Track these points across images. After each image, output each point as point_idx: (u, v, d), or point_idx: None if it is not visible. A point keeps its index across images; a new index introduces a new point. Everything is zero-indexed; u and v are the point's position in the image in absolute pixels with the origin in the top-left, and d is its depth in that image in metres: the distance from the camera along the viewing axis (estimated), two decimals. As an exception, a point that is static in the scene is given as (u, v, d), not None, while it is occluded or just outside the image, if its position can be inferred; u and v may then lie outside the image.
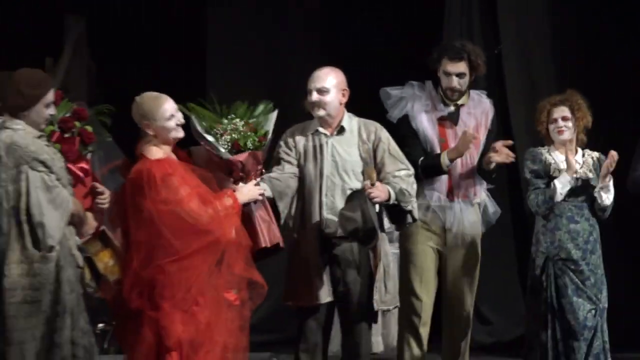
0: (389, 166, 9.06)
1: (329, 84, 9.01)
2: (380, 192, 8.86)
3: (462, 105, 9.78)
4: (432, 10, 12.51)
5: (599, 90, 11.12)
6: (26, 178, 7.63)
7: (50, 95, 7.96)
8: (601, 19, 12.63)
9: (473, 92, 9.91)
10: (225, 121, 8.80)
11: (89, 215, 8.20)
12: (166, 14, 13.25)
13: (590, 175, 9.56)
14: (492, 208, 9.80)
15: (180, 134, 8.33)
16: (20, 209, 7.62)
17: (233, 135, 8.77)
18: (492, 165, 9.44)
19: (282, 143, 9.30)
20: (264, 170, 9.03)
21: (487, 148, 9.74)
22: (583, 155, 9.73)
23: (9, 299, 7.58)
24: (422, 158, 9.38)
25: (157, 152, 8.24)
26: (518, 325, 10.79)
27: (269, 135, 8.90)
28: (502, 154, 9.47)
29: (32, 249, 7.63)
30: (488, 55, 12.24)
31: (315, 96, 8.99)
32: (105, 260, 8.28)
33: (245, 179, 8.74)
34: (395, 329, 10.97)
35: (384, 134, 9.16)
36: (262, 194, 8.69)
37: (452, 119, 9.68)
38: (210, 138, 8.83)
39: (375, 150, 9.11)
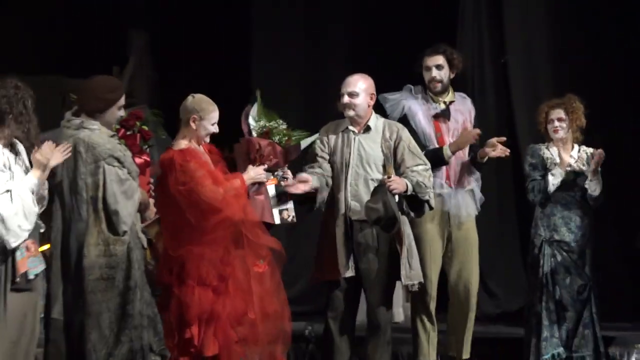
0: (409, 161, 9.13)
1: (359, 89, 9.11)
2: (398, 184, 8.92)
3: (450, 102, 9.81)
4: (446, 28, 12.40)
5: (597, 93, 11.16)
6: (103, 172, 7.73)
7: (123, 99, 8.06)
8: (597, 30, 12.50)
9: (457, 94, 9.92)
10: (273, 122, 8.98)
11: (151, 201, 8.35)
12: (215, 30, 13.16)
13: (584, 168, 9.63)
14: (479, 195, 9.78)
15: (208, 139, 8.47)
16: (98, 199, 7.75)
17: (268, 124, 9.00)
18: (486, 159, 9.57)
19: (318, 142, 9.36)
20: (285, 170, 9.05)
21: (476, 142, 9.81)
22: (578, 151, 9.80)
23: (87, 276, 7.71)
24: (424, 151, 9.37)
25: (184, 144, 8.37)
26: (520, 297, 10.78)
27: (299, 148, 9.10)
28: (497, 149, 9.55)
29: (108, 233, 7.77)
30: (496, 65, 12.55)
31: (346, 99, 9.09)
32: (162, 242, 8.40)
33: (258, 162, 8.79)
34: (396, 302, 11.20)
35: (405, 134, 9.24)
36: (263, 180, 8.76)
37: (445, 115, 9.71)
38: (251, 121, 9.06)
39: (396, 148, 9.17)
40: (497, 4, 12.51)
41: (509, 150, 9.63)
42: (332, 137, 9.26)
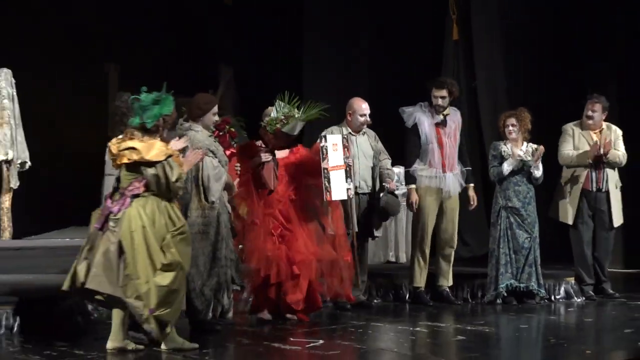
0: (382, 155, 9.48)
1: (369, 111, 9.38)
2: (393, 185, 9.50)
3: (447, 115, 9.63)
4: (433, 63, 12.38)
5: (539, 108, 10.75)
6: (202, 160, 7.74)
7: (216, 108, 8.11)
8: (542, 62, 12.45)
9: (451, 108, 9.72)
10: (289, 112, 8.56)
11: (235, 183, 8.30)
12: (274, 62, 13.14)
13: (529, 158, 9.62)
14: (463, 177, 9.70)
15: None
16: (198, 178, 7.80)
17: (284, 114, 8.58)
18: None
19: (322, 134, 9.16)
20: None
21: (462, 141, 9.76)
22: (526, 146, 9.70)
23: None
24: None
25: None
26: (485, 246, 10.57)
27: (287, 134, 8.57)
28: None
29: (204, 202, 7.82)
30: (468, 87, 12.62)
31: (367, 118, 9.34)
32: (244, 210, 8.44)
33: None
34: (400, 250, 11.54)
35: (377, 138, 9.56)
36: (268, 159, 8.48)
37: (443, 124, 9.57)
38: (266, 118, 8.72)
39: (377, 145, 9.46)
40: (469, 48, 12.40)
41: None
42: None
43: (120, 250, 6.89)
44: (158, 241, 6.90)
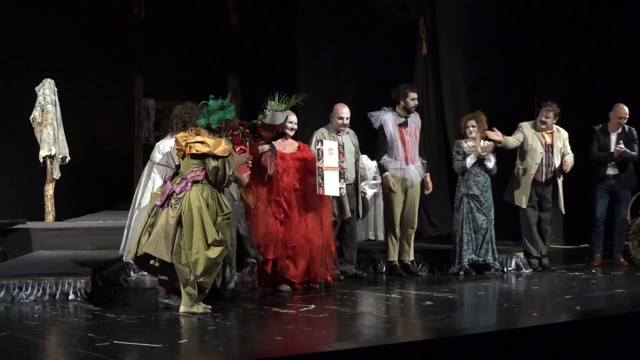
0: (357, 153, 9.39)
1: (348, 115, 9.30)
2: (363, 188, 9.59)
3: (407, 117, 9.60)
4: (406, 74, 12.30)
5: (495, 111, 10.68)
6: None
7: None
8: (497, 73, 12.33)
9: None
10: (277, 106, 8.52)
11: (245, 175, 8.14)
12: (274, 70, 12.97)
13: (484, 154, 9.62)
14: (423, 168, 9.68)
15: None
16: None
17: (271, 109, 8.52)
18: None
19: (317, 136, 9.16)
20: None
21: (421, 139, 9.73)
22: (483, 143, 9.67)
23: None
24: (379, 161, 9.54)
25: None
26: (449, 226, 10.60)
27: (269, 124, 8.50)
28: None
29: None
30: (435, 94, 12.57)
31: (345, 121, 9.24)
32: (250, 199, 8.37)
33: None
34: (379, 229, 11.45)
35: (355, 135, 9.49)
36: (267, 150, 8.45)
37: (404, 124, 9.54)
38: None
39: (356, 142, 9.37)
40: (436, 62, 12.33)
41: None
42: (325, 136, 9.16)
43: (178, 224, 7.11)
44: (211, 221, 7.08)
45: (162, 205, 7.23)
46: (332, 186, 8.60)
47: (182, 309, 7.15)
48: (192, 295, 7.11)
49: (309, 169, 8.63)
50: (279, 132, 8.60)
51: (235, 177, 7.95)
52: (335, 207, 9.08)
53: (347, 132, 9.46)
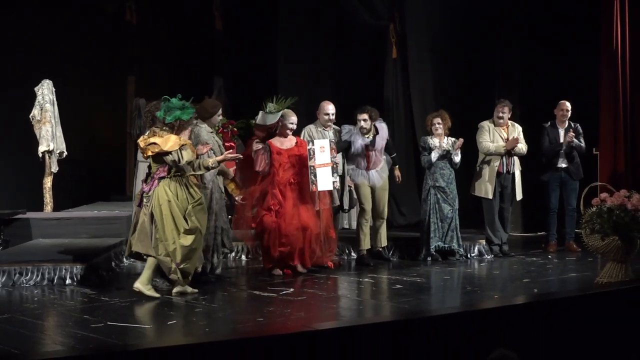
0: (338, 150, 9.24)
1: (334, 111, 9.36)
2: (350, 182, 9.48)
3: (375, 135, 9.37)
4: (378, 75, 12.26)
5: (458, 107, 11.02)
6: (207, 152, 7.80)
7: (220, 111, 8.22)
8: (460, 75, 12.28)
9: (378, 123, 9.45)
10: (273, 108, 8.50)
11: (230, 170, 8.26)
12: (256, 72, 12.89)
13: (450, 148, 9.61)
14: (388, 165, 9.56)
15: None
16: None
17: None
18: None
19: (307, 133, 9.22)
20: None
21: (388, 145, 9.54)
22: (447, 140, 9.68)
23: None
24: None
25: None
26: (417, 215, 10.46)
27: (261, 125, 8.51)
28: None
29: (200, 181, 7.70)
30: (404, 94, 12.49)
31: (331, 117, 9.30)
32: (232, 188, 8.28)
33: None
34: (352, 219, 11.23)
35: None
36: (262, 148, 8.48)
37: (372, 144, 9.32)
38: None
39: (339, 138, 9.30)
40: (405, 64, 12.22)
41: None
42: (313, 132, 9.25)
43: (152, 220, 7.18)
44: (181, 211, 7.14)
45: (139, 205, 7.35)
46: (325, 182, 8.61)
47: (174, 291, 7.27)
48: (179, 280, 7.23)
49: (304, 164, 8.61)
50: (270, 131, 8.58)
51: (222, 171, 8.04)
52: (325, 196, 9.03)
53: (333, 128, 9.45)
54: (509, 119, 10.11)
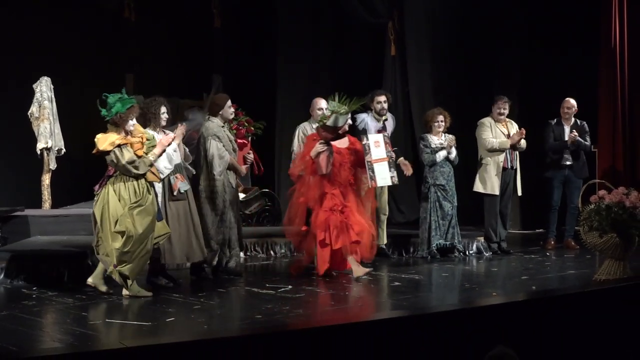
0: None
1: (327, 106, 8.95)
2: None
3: (385, 120, 9.49)
4: (377, 72, 12.31)
5: (457, 104, 11.11)
6: (210, 142, 7.91)
7: (229, 102, 8.19)
8: (457, 75, 12.32)
9: (389, 114, 9.59)
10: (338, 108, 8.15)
11: (243, 167, 8.35)
12: (255, 69, 12.90)
13: (451, 146, 9.55)
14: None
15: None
16: (207, 156, 7.91)
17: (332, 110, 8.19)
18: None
19: (301, 132, 9.00)
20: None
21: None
22: (444, 137, 9.64)
23: (201, 196, 7.91)
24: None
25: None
26: (417, 213, 10.32)
27: (331, 127, 8.17)
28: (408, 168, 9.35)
29: (211, 174, 7.90)
30: (402, 92, 12.59)
31: (324, 112, 8.84)
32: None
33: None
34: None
35: None
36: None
37: (384, 129, 9.33)
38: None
39: None
40: (403, 61, 12.31)
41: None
42: (308, 129, 9.03)
43: (94, 219, 7.07)
44: (118, 213, 6.95)
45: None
46: (383, 177, 8.31)
47: (123, 293, 7.07)
48: (119, 282, 7.03)
49: (360, 162, 8.30)
50: (339, 134, 8.27)
51: (232, 166, 8.09)
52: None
53: None
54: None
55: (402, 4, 12.41)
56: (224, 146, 7.98)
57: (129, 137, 7.11)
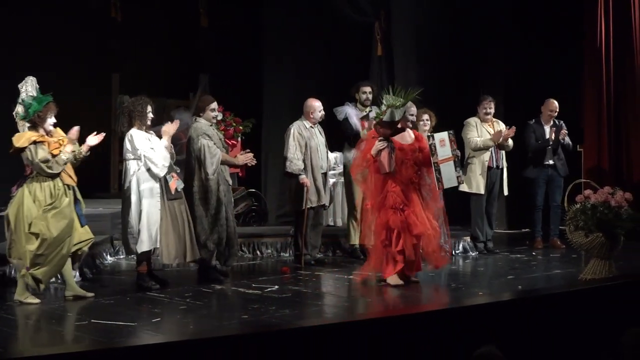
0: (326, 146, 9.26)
1: (322, 107, 9.20)
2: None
3: (369, 111, 9.41)
4: (363, 72, 12.07)
5: (442, 104, 10.77)
6: (200, 142, 7.85)
7: (213, 105, 8.10)
8: (446, 73, 12.16)
9: (372, 106, 9.38)
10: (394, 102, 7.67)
11: (235, 158, 8.20)
12: (241, 69, 12.80)
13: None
14: None
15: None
16: (199, 156, 7.82)
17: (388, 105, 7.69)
18: None
19: (296, 131, 9.01)
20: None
21: None
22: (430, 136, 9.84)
23: (194, 196, 7.83)
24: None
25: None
26: None
27: (388, 122, 7.68)
28: None
29: (204, 174, 7.83)
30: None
31: (323, 113, 9.14)
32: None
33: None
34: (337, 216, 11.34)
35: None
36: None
37: (365, 118, 9.37)
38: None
39: (323, 134, 9.26)
40: (390, 61, 12.27)
41: None
42: (303, 129, 9.07)
43: (8, 221, 6.91)
44: (32, 215, 6.80)
45: None
46: (449, 178, 7.83)
47: (15, 296, 6.88)
48: (29, 285, 6.84)
49: (424, 161, 7.79)
50: (397, 128, 7.78)
51: (227, 162, 8.08)
52: (313, 193, 9.02)
53: (318, 126, 9.34)
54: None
55: (388, 4, 12.41)
56: (214, 144, 7.94)
57: (46, 136, 6.99)
